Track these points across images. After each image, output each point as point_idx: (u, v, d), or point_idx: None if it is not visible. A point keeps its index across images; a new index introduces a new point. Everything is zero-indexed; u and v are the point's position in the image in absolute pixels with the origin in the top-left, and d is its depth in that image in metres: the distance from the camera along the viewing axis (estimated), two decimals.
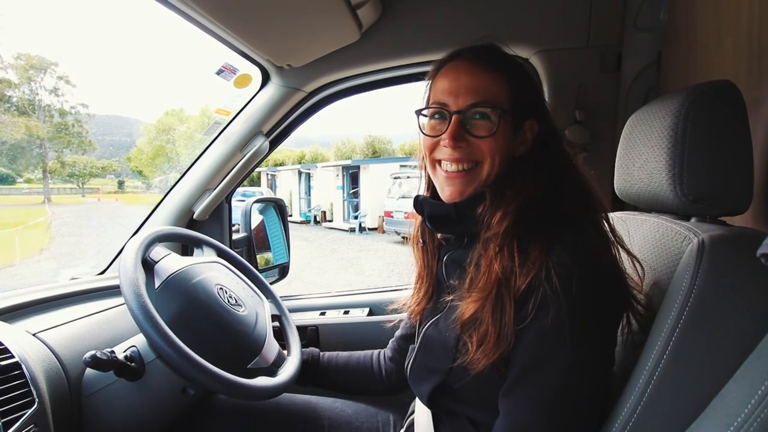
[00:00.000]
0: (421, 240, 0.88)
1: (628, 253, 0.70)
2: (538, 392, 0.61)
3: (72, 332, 0.95)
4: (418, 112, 0.78)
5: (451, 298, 0.75)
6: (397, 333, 1.07)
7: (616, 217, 0.87)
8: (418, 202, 0.81)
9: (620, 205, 1.03)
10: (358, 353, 1.13)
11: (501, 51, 0.76)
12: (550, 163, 0.73)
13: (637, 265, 0.70)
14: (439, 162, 0.75)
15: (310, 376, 1.10)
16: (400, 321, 1.06)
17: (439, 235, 0.87)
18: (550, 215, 0.68)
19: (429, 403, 0.79)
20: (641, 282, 0.70)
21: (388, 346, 1.10)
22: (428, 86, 0.78)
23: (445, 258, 0.82)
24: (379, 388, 1.09)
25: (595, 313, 0.61)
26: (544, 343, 0.61)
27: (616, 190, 0.88)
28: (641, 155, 0.75)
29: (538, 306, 0.60)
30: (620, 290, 0.66)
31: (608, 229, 0.70)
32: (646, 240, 0.75)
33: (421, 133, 0.78)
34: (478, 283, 0.67)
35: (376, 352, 1.12)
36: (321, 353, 1.14)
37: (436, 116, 0.75)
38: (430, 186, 0.85)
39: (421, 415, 0.85)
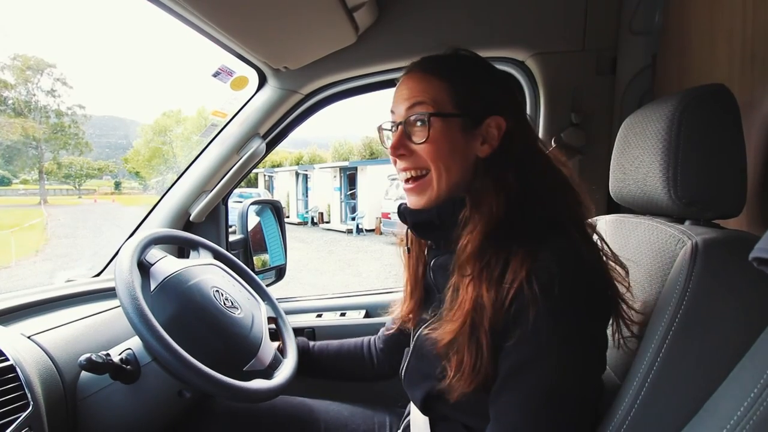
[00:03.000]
0: (407, 246, 0.88)
1: (615, 258, 0.69)
2: (524, 395, 0.61)
3: (67, 335, 0.94)
4: (379, 129, 0.82)
5: (440, 298, 0.74)
6: (388, 324, 1.08)
7: (611, 220, 0.87)
8: (401, 212, 0.81)
9: (615, 207, 1.03)
10: (349, 341, 1.14)
11: (449, 54, 0.76)
12: (520, 160, 0.70)
13: (623, 270, 0.69)
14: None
15: (302, 367, 1.10)
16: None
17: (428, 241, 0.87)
18: (527, 221, 0.66)
19: (423, 408, 0.79)
20: (628, 286, 0.69)
21: (378, 335, 1.12)
22: None
23: (432, 263, 0.82)
24: (370, 375, 1.11)
25: (578, 314, 0.60)
26: (527, 346, 0.60)
27: (611, 193, 0.88)
28: (636, 158, 0.76)
29: (520, 311, 0.60)
30: (605, 291, 0.65)
31: (592, 232, 0.69)
32: (641, 243, 0.75)
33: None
34: (455, 312, 0.66)
35: (366, 339, 1.14)
36: (311, 344, 1.15)
37: (390, 129, 0.78)
38: None
39: (418, 418, 0.84)
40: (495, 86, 0.74)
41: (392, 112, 0.76)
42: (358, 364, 1.11)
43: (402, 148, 0.73)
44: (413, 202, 0.75)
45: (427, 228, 0.78)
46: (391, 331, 1.04)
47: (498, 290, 0.62)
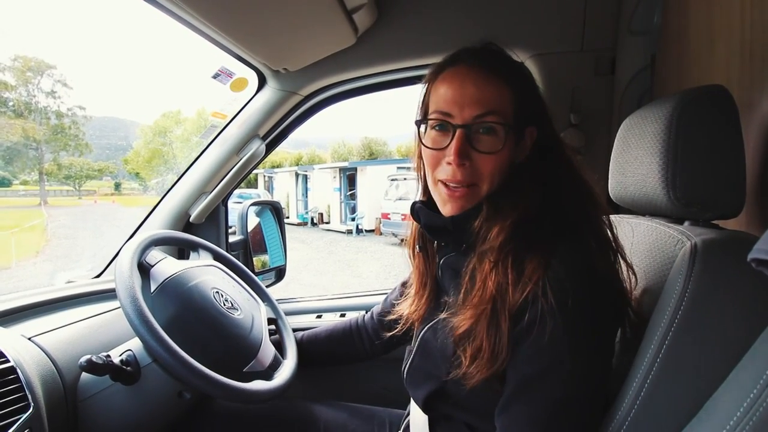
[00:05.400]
0: (417, 246, 0.86)
1: (626, 263, 0.69)
2: (535, 408, 0.61)
3: (68, 336, 0.95)
4: (419, 123, 0.73)
5: (448, 301, 0.74)
6: (383, 304, 1.09)
7: (611, 220, 0.87)
8: (415, 210, 0.80)
9: (615, 208, 1.03)
10: (337, 326, 1.16)
11: (504, 55, 0.73)
12: (550, 169, 0.70)
13: (630, 273, 0.69)
14: (443, 180, 0.71)
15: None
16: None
17: None
18: (549, 224, 0.65)
19: (424, 407, 0.79)
20: (632, 289, 0.69)
21: (369, 314, 1.12)
22: (425, 90, 0.74)
23: (441, 261, 0.81)
24: (362, 357, 1.12)
25: (592, 327, 0.60)
26: (541, 358, 0.60)
27: (610, 194, 0.88)
28: (635, 159, 0.76)
29: (534, 321, 0.59)
30: (617, 301, 0.64)
31: (611, 237, 0.68)
32: (640, 243, 0.75)
33: (420, 143, 0.73)
34: (473, 298, 0.66)
35: (353, 321, 1.14)
36: (299, 335, 1.17)
37: (438, 127, 0.70)
38: (427, 190, 0.84)
39: (417, 417, 0.84)
40: (539, 97, 0.73)
41: (445, 111, 0.68)
42: (350, 348, 1.12)
43: (466, 158, 0.66)
44: (457, 207, 0.70)
45: (439, 231, 0.76)
46: (390, 326, 1.01)
47: (516, 285, 0.62)
